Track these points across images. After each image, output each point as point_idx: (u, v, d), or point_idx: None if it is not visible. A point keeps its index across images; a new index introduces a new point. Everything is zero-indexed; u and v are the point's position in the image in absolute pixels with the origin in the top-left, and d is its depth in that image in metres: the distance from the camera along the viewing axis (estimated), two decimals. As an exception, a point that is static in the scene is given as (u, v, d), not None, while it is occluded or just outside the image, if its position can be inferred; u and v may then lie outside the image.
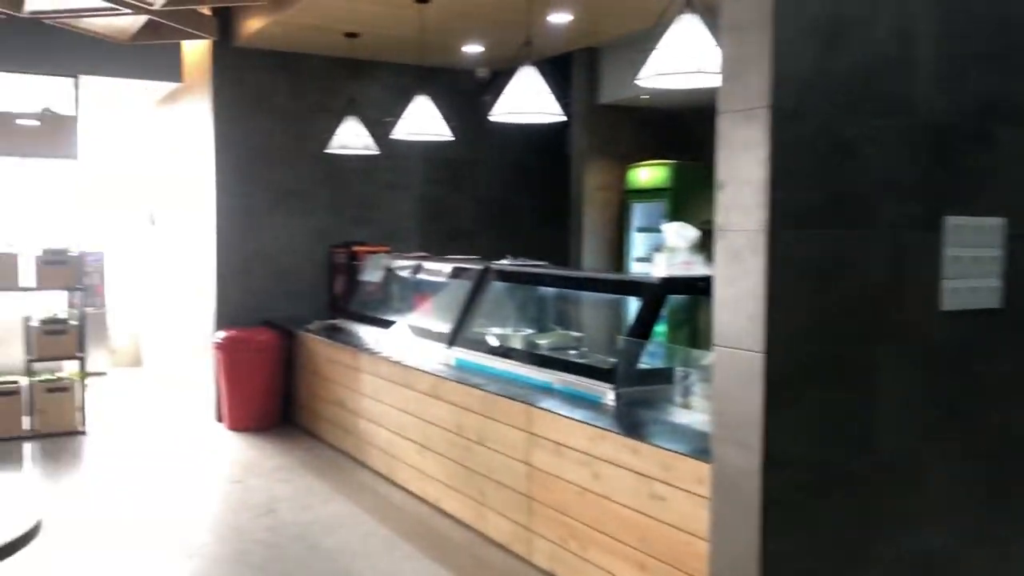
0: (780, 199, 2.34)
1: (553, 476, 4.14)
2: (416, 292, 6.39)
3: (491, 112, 4.91)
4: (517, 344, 5.07)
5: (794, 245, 2.38)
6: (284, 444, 6.70)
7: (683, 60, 3.58)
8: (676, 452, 3.40)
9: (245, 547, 4.68)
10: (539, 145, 8.39)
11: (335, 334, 6.72)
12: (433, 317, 5.94)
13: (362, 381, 6.09)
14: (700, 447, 3.28)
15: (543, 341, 5.02)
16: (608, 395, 4.14)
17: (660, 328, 4.62)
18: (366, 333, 6.49)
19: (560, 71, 7.56)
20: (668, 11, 3.75)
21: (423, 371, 5.24)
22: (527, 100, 4.71)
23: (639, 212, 7.97)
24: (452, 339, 5.42)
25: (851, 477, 2.54)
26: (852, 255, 2.48)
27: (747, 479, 2.42)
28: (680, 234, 4.36)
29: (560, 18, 6.32)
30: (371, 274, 6.96)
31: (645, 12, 4.11)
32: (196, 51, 7.56)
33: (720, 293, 2.51)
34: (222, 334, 7.14)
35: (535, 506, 4.28)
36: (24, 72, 7.01)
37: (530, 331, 5.25)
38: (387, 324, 6.36)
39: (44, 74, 7.11)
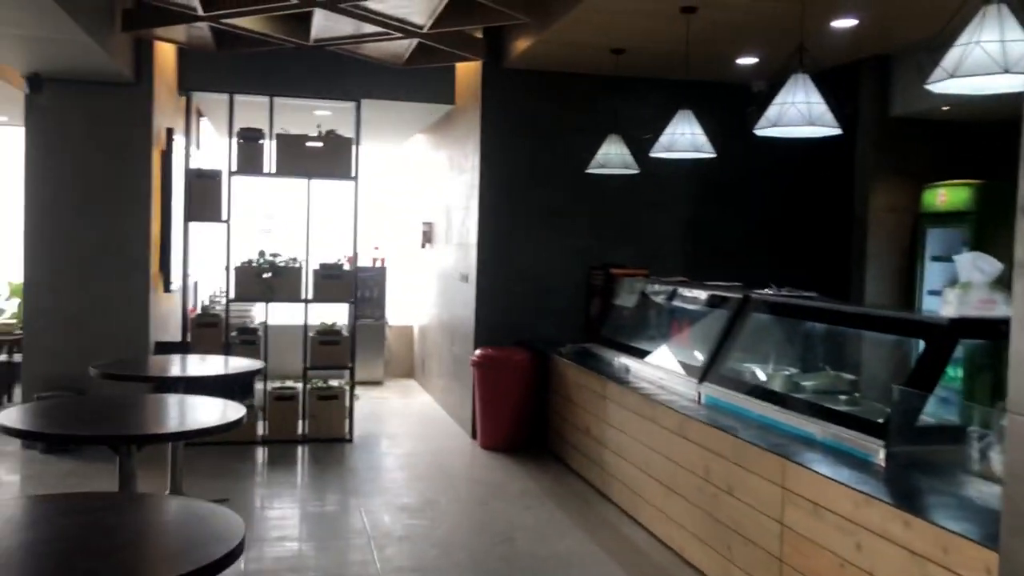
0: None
1: (809, 540, 3.61)
2: (670, 319, 6.01)
3: (755, 126, 4.46)
4: (776, 385, 4.54)
5: None
6: (532, 468, 6.58)
7: (984, 59, 2.95)
8: (957, 534, 2.78)
9: (477, 576, 4.57)
10: (818, 162, 7.68)
11: (585, 359, 6.51)
12: (686, 348, 5.54)
13: (609, 410, 5.82)
14: (991, 531, 2.64)
15: (807, 383, 4.46)
16: (879, 453, 3.54)
17: (953, 375, 3.92)
18: (616, 360, 6.21)
19: (846, 82, 6.87)
20: (967, 4, 3.13)
21: (670, 407, 4.86)
22: (796, 112, 4.21)
23: (935, 239, 7.00)
24: (704, 374, 4.99)
25: None
26: None
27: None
28: (977, 267, 3.65)
29: (844, 23, 5.70)
30: (625, 298, 6.68)
31: (943, 12, 3.49)
32: (468, 74, 7.73)
33: (1018, 345, 1.95)
34: (479, 352, 7.19)
35: (787, 571, 3.76)
36: (311, 97, 7.52)
37: (792, 370, 4.70)
38: (638, 352, 6.04)
39: (329, 99, 7.59)
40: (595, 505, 5.72)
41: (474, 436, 7.38)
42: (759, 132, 4.51)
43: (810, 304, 4.68)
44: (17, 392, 7.77)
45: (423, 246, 9.92)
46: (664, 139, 5.67)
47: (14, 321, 8.53)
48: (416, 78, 7.61)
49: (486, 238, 7.43)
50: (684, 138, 5.56)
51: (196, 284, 9.35)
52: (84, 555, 2.24)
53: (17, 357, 7.76)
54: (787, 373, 4.64)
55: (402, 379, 10.55)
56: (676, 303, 5.88)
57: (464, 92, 7.92)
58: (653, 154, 5.84)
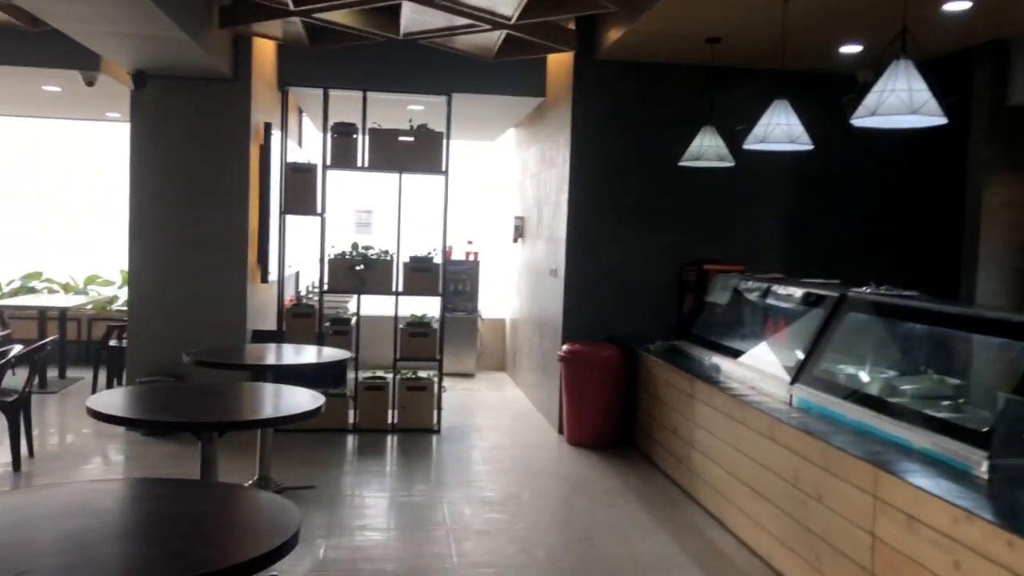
0: None
1: (902, 555, 3.40)
2: (763, 318, 5.79)
3: (853, 115, 4.23)
4: (873, 388, 4.31)
5: None
6: (618, 466, 6.46)
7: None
8: (1067, 558, 2.56)
9: (553, 575, 4.49)
10: (926, 155, 7.29)
11: (675, 356, 6.34)
12: (778, 348, 5.32)
13: (697, 410, 5.65)
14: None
15: (906, 387, 4.21)
16: (981, 465, 3.30)
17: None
18: (706, 358, 6.03)
19: (957, 69, 6.49)
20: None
21: (760, 409, 4.67)
22: (897, 100, 3.96)
23: (1057, 236, 6.56)
24: (796, 375, 4.78)
25: None
26: None
27: None
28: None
29: (956, 6, 5.37)
30: (718, 295, 6.47)
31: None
32: (559, 66, 7.65)
33: None
34: (566, 347, 7.11)
35: (878, 586, 3.56)
36: (403, 91, 7.57)
37: (890, 374, 4.45)
38: (728, 351, 5.84)
39: (420, 93, 7.63)
40: (681, 506, 5.57)
41: (561, 431, 7.31)
42: (857, 122, 4.27)
43: (912, 304, 4.41)
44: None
45: (515, 241, 9.89)
46: (758, 130, 5.45)
47: (125, 308, 8.90)
48: (507, 71, 7.57)
49: (575, 232, 7.34)
50: (779, 129, 5.33)
51: (297, 275, 9.58)
52: (136, 541, 2.28)
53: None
54: (885, 376, 4.40)
55: (494, 372, 10.56)
56: (770, 301, 5.66)
57: (555, 85, 7.84)
58: (747, 146, 5.63)
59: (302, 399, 4.21)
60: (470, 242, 10.72)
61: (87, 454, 6.53)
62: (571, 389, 7.05)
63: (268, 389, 4.65)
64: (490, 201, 11.59)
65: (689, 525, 5.24)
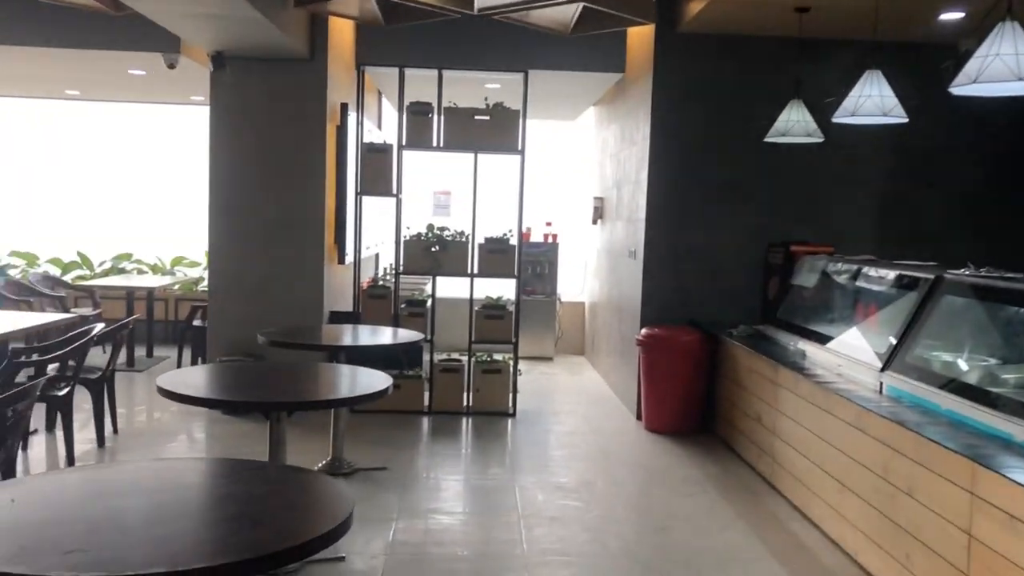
0: None
1: (1001, 557, 3.14)
2: (853, 302, 5.50)
3: (952, 83, 3.93)
4: (971, 377, 4.02)
5: None
6: (697, 454, 6.26)
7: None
8: None
9: (625, 565, 4.35)
10: (1036, 130, 6.83)
11: (758, 341, 6.09)
12: (868, 333, 5.04)
13: (781, 398, 5.41)
14: None
15: (1007, 376, 3.91)
16: (1093, 462, 3.02)
17: None
18: (792, 344, 5.77)
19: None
20: None
21: (848, 398, 4.42)
22: (1002, 66, 3.65)
23: None
24: (887, 362, 4.50)
25: None
26: None
27: None
28: None
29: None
30: (804, 278, 6.19)
31: None
32: (640, 40, 7.42)
33: None
34: (645, 331, 6.93)
35: (975, 589, 3.31)
36: (478, 69, 7.46)
37: (990, 361, 4.14)
38: (815, 336, 5.58)
39: (496, 70, 7.50)
40: (762, 497, 5.35)
41: (639, 417, 7.14)
42: (956, 90, 3.96)
43: (1016, 286, 4.09)
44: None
45: (595, 222, 9.71)
46: (848, 102, 5.15)
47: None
48: (584, 46, 7.38)
49: (655, 213, 7.12)
50: (871, 101, 5.03)
51: (377, 256, 9.62)
52: (186, 522, 2.23)
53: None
54: (984, 364, 4.10)
55: (572, 356, 10.43)
56: (860, 284, 5.36)
57: (635, 60, 7.61)
58: (836, 119, 5.33)
59: (370, 380, 4.16)
60: (549, 224, 10.58)
61: (169, 431, 6.66)
62: (649, 374, 6.87)
63: (338, 370, 4.62)
64: (570, 182, 11.43)
65: (770, 517, 5.02)
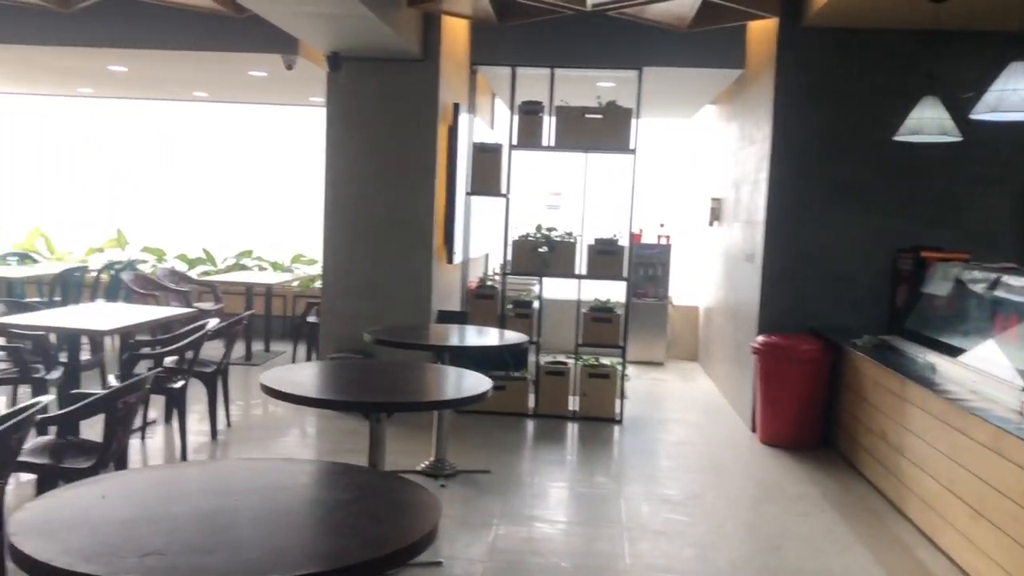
0: None
1: None
2: (991, 313, 5.07)
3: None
4: None
5: None
6: (814, 470, 5.93)
7: None
8: None
9: (735, 585, 4.13)
10: None
11: (884, 353, 5.71)
12: (1008, 347, 4.63)
13: (908, 414, 5.04)
14: None
15: None
16: None
17: None
18: (921, 357, 5.38)
19: None
20: None
21: (983, 418, 4.06)
22: None
23: None
24: (1030, 379, 4.12)
25: None
26: None
27: None
28: None
29: None
30: (937, 286, 5.77)
31: None
32: (761, 34, 7.11)
33: None
34: (762, 338, 6.62)
35: None
36: (591, 67, 7.31)
37: None
38: (947, 349, 5.18)
39: (609, 68, 7.34)
40: (885, 520, 5.00)
41: (753, 429, 6.83)
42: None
43: None
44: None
45: (711, 224, 9.40)
46: (989, 97, 4.74)
47: (322, 286, 9.25)
48: (702, 42, 7.13)
49: (775, 215, 6.80)
50: (1016, 95, 4.60)
51: (487, 257, 9.60)
52: (265, 527, 2.18)
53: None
54: None
55: (684, 362, 10.13)
56: (999, 293, 4.94)
57: (756, 55, 7.29)
58: (974, 115, 4.92)
59: (470, 382, 4.07)
60: (662, 225, 10.32)
61: (280, 425, 6.78)
62: (766, 384, 6.56)
63: (439, 371, 4.56)
64: (686, 183, 11.13)
65: (894, 541, 4.68)
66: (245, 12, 6.24)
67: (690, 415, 7.66)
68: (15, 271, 9.10)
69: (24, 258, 10.54)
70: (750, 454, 6.40)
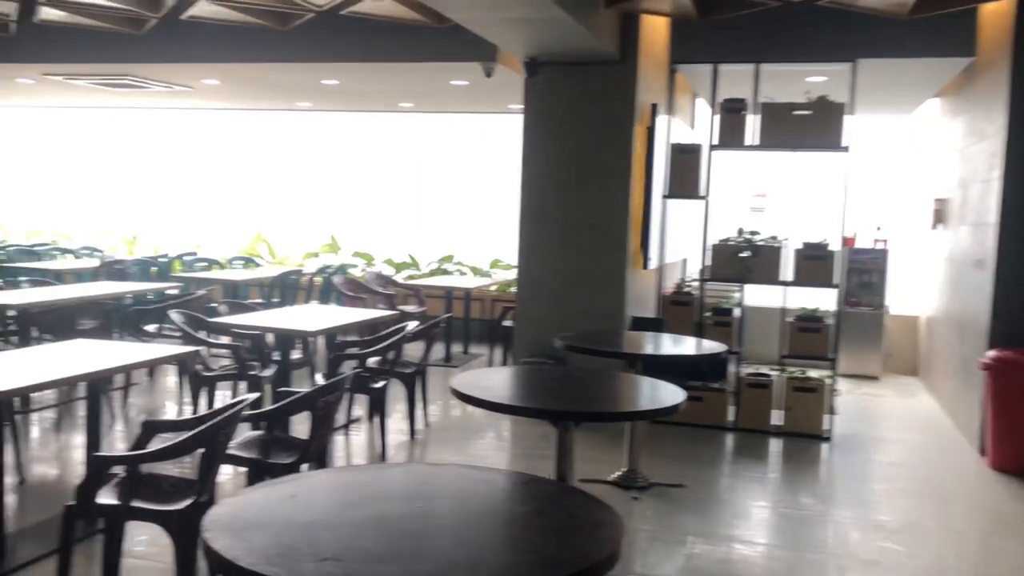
0: None
1: None
2: None
3: None
4: None
5: None
6: (1057, 503, 5.27)
7: None
8: None
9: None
10: None
11: None
12: None
13: None
14: None
15: None
16: None
17: None
18: None
19: None
20: None
21: None
22: None
23: None
24: None
25: None
26: None
27: None
28: None
29: None
30: None
31: None
32: (994, 17, 6.41)
33: None
34: (993, 353, 5.97)
35: None
36: (799, 61, 6.89)
37: None
38: None
39: (819, 61, 6.88)
40: None
41: (982, 453, 6.18)
42: None
43: None
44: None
45: (934, 227, 8.63)
46: None
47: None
48: (923, 29, 6.53)
49: (1011, 217, 6.11)
50: None
51: (684, 262, 9.32)
52: (441, 538, 2.13)
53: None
54: None
55: (903, 376, 9.37)
56: None
57: (989, 41, 6.59)
58: None
59: (661, 394, 3.89)
60: (879, 228, 9.61)
61: (476, 427, 6.85)
62: (998, 403, 5.91)
63: (630, 380, 4.40)
64: (905, 183, 10.31)
65: None
66: (446, 22, 6.36)
67: (908, 435, 7.05)
68: (239, 274, 9.82)
69: (248, 262, 11.37)
70: (978, 480, 5.78)
